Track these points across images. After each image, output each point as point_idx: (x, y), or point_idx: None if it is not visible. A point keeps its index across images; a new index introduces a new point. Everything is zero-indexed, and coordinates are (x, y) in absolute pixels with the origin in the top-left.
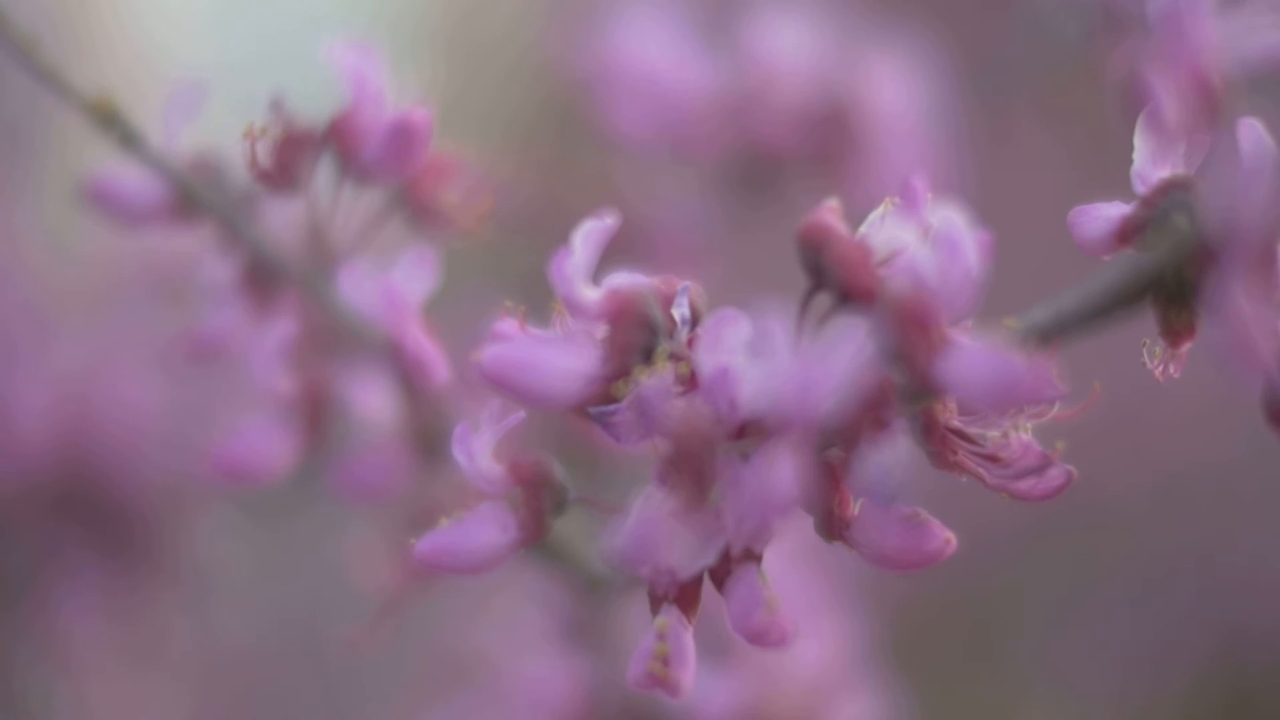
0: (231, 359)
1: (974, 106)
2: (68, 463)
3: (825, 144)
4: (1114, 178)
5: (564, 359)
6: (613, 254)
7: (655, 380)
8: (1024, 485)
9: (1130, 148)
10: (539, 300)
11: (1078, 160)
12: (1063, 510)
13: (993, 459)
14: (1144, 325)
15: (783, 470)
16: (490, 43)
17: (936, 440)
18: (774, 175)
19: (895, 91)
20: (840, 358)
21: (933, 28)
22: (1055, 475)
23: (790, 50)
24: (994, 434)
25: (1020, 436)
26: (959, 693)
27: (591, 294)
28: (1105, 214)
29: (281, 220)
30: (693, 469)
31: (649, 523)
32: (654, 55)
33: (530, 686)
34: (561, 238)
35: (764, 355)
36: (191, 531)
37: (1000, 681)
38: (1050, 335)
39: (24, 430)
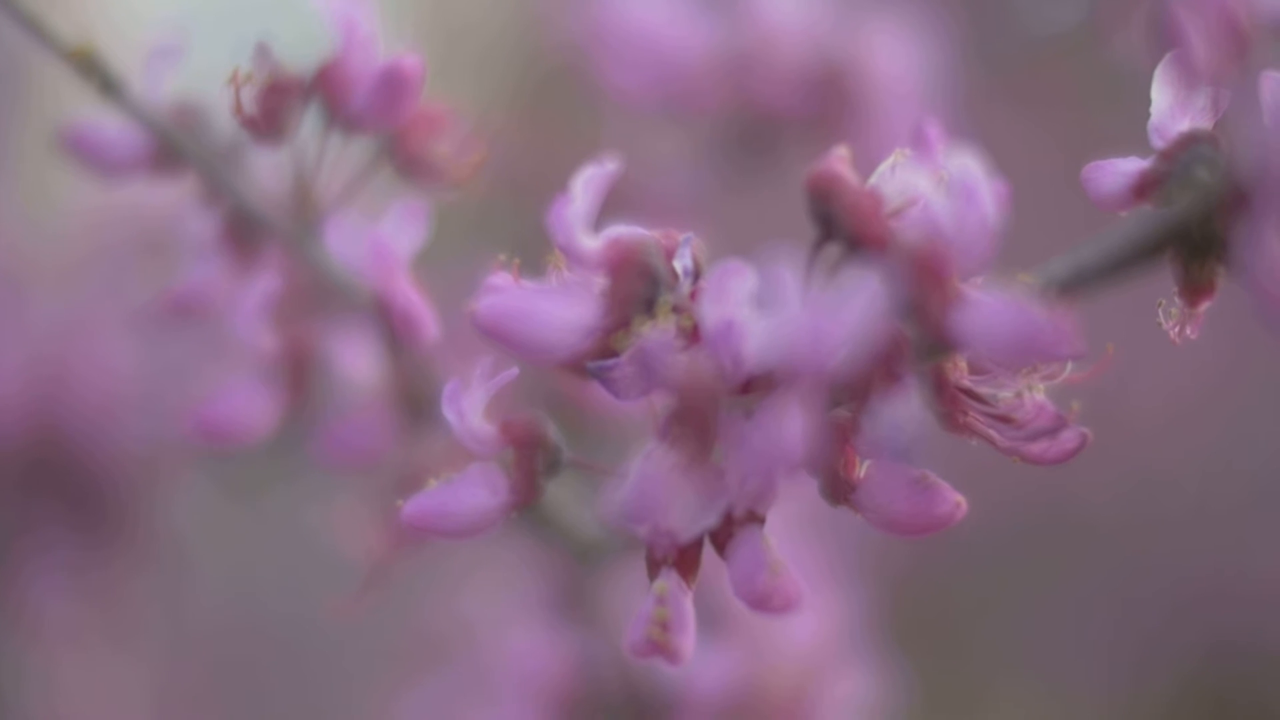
0: (211, 318)
1: (974, 70)
2: (40, 430)
3: (823, 106)
4: (1110, 146)
5: (562, 309)
6: (600, 214)
7: (658, 332)
8: (1037, 448)
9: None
10: (531, 257)
11: (1076, 126)
12: (1043, 513)
13: (1005, 420)
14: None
15: (791, 424)
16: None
17: (947, 400)
18: (771, 137)
19: (894, 54)
20: (853, 308)
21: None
22: (1069, 438)
23: (789, 11)
24: (1006, 394)
25: (1034, 397)
26: (933, 682)
27: (592, 243)
28: (1123, 169)
29: (266, 172)
30: (696, 424)
31: (651, 479)
32: (651, 12)
33: (517, 660)
34: (551, 193)
35: (773, 305)
36: (165, 502)
37: (975, 673)
38: (1069, 289)
39: None
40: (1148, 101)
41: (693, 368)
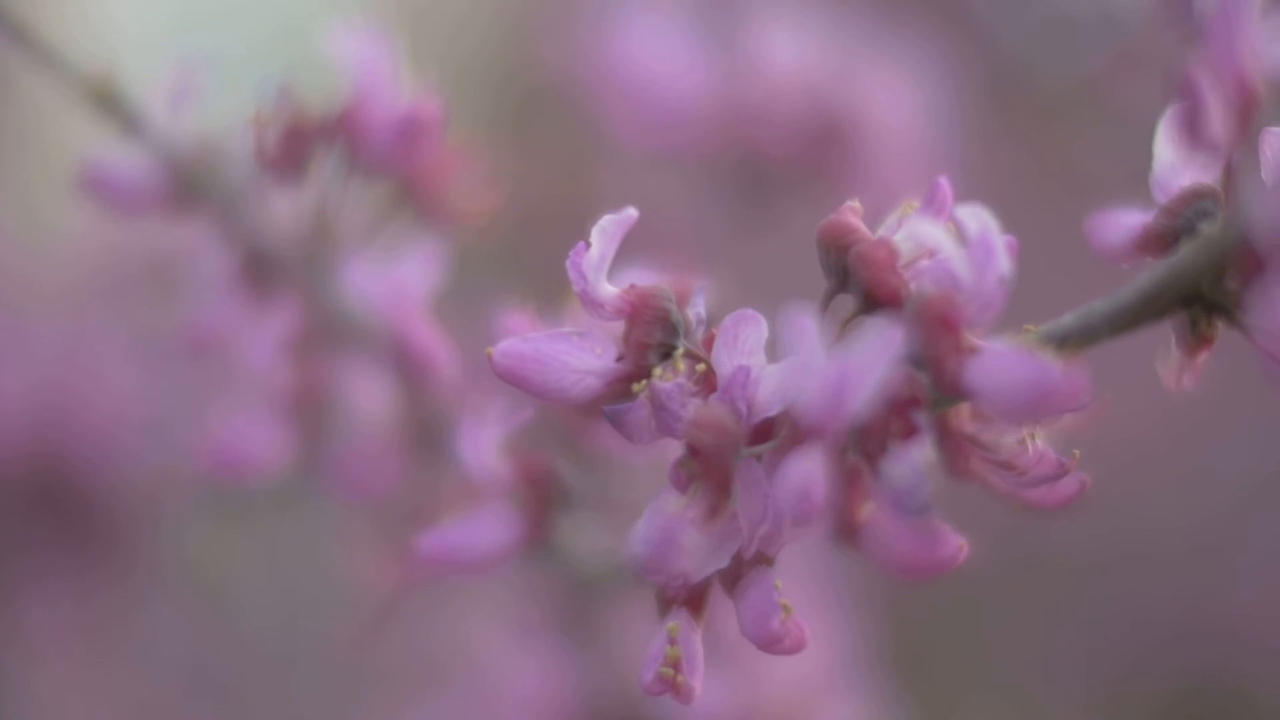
0: (222, 352)
1: (975, 113)
2: (42, 454)
3: (821, 153)
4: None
5: (579, 354)
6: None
7: (676, 380)
8: (1037, 493)
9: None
10: (537, 288)
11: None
12: (1020, 546)
13: (1008, 466)
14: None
15: (814, 476)
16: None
17: (951, 446)
18: (769, 183)
19: (892, 102)
20: (876, 358)
21: (939, 30)
22: (1069, 484)
23: (788, 58)
24: (1008, 441)
25: (1036, 444)
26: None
27: (609, 290)
28: (1126, 222)
29: (282, 210)
30: (714, 472)
31: (668, 530)
32: (652, 59)
33: (517, 683)
34: (556, 225)
35: (796, 353)
36: (165, 527)
37: (953, 703)
38: (1077, 342)
39: None
40: (1144, 145)
41: (710, 415)
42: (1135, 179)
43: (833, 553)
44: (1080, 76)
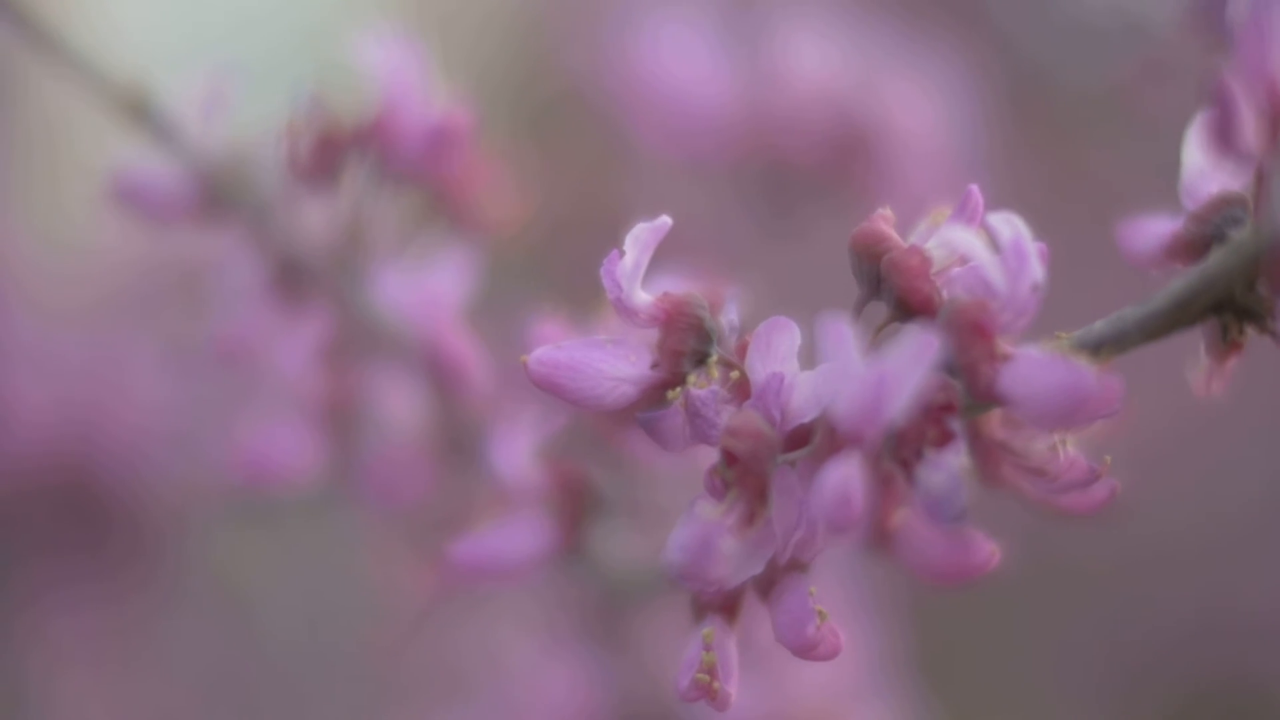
0: (252, 361)
1: (1000, 121)
2: (68, 463)
3: (846, 163)
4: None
5: (615, 363)
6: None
7: (710, 387)
8: (1068, 499)
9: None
10: (566, 292)
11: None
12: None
13: (1039, 472)
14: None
15: (852, 483)
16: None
17: (983, 453)
18: (793, 191)
19: (915, 110)
20: (912, 366)
21: (961, 38)
22: (1100, 489)
23: (813, 68)
24: (1039, 447)
25: (1067, 450)
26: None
27: (644, 298)
28: (1155, 230)
29: (313, 219)
30: (750, 479)
31: (705, 537)
32: (678, 66)
33: (546, 690)
34: (588, 241)
35: (832, 360)
36: (190, 535)
37: (966, 706)
38: (1110, 349)
39: (20, 427)
40: (1166, 153)
41: (746, 422)
42: (1158, 186)
43: (858, 557)
44: (1103, 84)
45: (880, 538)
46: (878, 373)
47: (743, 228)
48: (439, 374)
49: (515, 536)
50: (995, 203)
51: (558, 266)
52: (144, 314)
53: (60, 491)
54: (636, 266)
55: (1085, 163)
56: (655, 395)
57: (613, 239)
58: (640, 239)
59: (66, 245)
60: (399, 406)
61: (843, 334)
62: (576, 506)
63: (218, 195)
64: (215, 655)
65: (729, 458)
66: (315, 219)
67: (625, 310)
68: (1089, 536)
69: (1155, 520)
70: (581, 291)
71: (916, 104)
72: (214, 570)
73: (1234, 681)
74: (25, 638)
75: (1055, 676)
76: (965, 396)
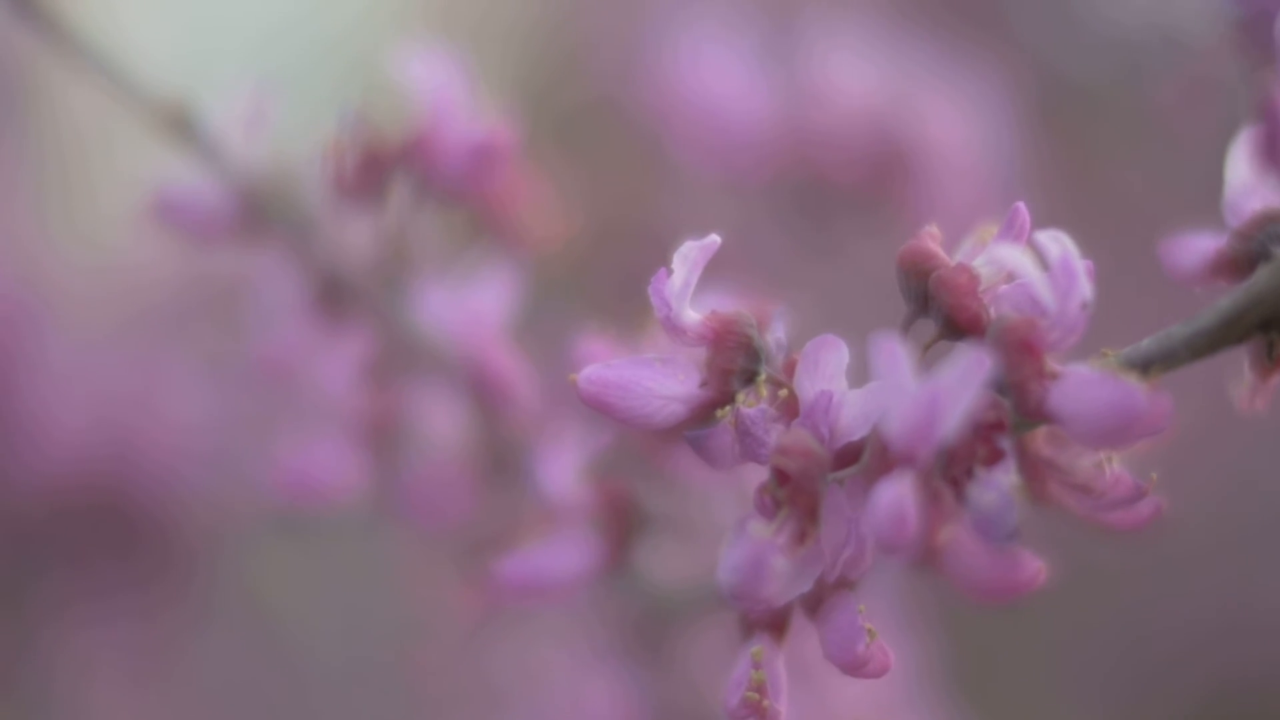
0: (293, 378)
1: (1034, 136)
2: (101, 478)
3: (883, 179)
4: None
5: (664, 382)
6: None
7: (760, 405)
8: (1114, 516)
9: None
10: (610, 316)
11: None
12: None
13: (1084, 489)
14: None
15: (907, 502)
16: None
17: (1029, 470)
18: (830, 208)
19: (954, 128)
20: (965, 384)
21: (997, 50)
22: (1145, 506)
23: (851, 84)
24: (1084, 464)
25: (1112, 467)
26: None
27: (693, 317)
28: (1200, 247)
29: (354, 236)
30: (802, 498)
31: (758, 556)
32: (716, 81)
33: (586, 705)
34: (625, 255)
35: (884, 378)
36: (225, 552)
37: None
38: (1159, 367)
39: (54, 444)
40: (1200, 169)
41: (798, 441)
42: (1192, 202)
43: (893, 570)
44: (1138, 99)
45: (927, 555)
46: (931, 391)
47: (779, 243)
48: (483, 392)
49: (562, 554)
50: (1030, 218)
51: (598, 279)
52: (178, 329)
53: (94, 508)
54: (685, 285)
55: (1118, 178)
56: (703, 413)
57: (652, 252)
58: (689, 258)
59: (99, 260)
60: (441, 424)
61: (895, 352)
62: (623, 524)
63: (259, 212)
64: (248, 673)
65: (780, 476)
66: (357, 236)
67: (674, 329)
68: (1110, 538)
69: (1174, 520)
70: (623, 305)
71: (953, 120)
72: (249, 587)
73: (1259, 682)
74: (55, 652)
75: (1078, 678)
76: (1014, 414)
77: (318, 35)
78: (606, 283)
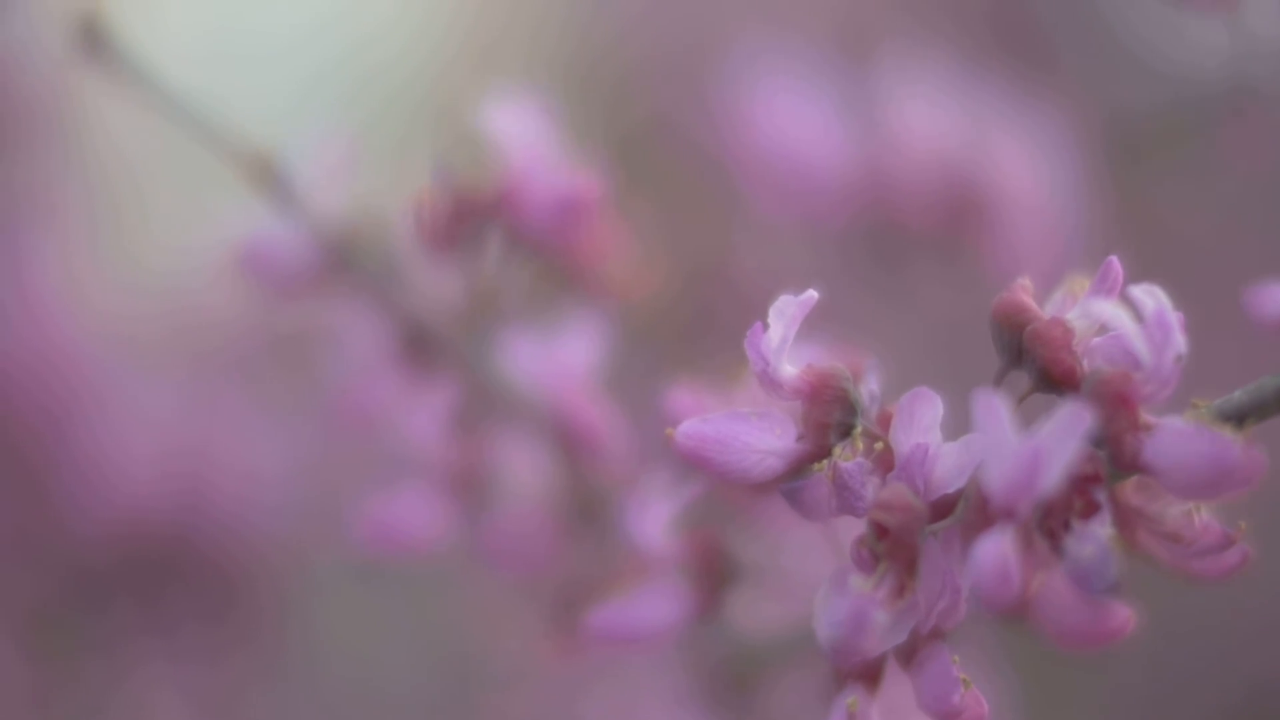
0: (377, 428)
1: (1104, 174)
2: (169, 522)
3: (957, 225)
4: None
5: (761, 436)
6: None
7: (856, 459)
8: (1202, 564)
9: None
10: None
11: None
12: None
13: (1174, 538)
14: None
15: (1009, 556)
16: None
17: (1120, 520)
18: (903, 253)
19: (1026, 171)
20: (1066, 438)
21: (1059, 88)
22: (1233, 555)
23: (923, 128)
24: (1174, 512)
25: (1201, 516)
26: None
27: (790, 371)
28: None
29: (439, 287)
30: (901, 551)
31: (859, 611)
32: (792, 126)
33: None
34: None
35: (984, 432)
36: (298, 597)
37: None
38: (1253, 419)
39: (122, 487)
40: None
41: (897, 495)
42: (1260, 242)
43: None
44: (1203, 140)
45: (1019, 605)
46: (1032, 446)
47: (853, 288)
48: (570, 443)
49: (654, 605)
50: (1097, 263)
51: (677, 324)
52: (245, 373)
53: (161, 554)
54: (783, 341)
55: (1183, 219)
56: (799, 467)
57: (727, 296)
58: (786, 313)
59: (162, 303)
60: (526, 474)
61: (995, 407)
62: (714, 573)
63: (343, 262)
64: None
65: (879, 530)
66: (441, 286)
67: (771, 384)
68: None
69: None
70: (701, 348)
71: (1024, 164)
72: (322, 635)
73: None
74: (117, 692)
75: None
76: (1109, 466)
77: (347, 38)
78: (686, 327)
